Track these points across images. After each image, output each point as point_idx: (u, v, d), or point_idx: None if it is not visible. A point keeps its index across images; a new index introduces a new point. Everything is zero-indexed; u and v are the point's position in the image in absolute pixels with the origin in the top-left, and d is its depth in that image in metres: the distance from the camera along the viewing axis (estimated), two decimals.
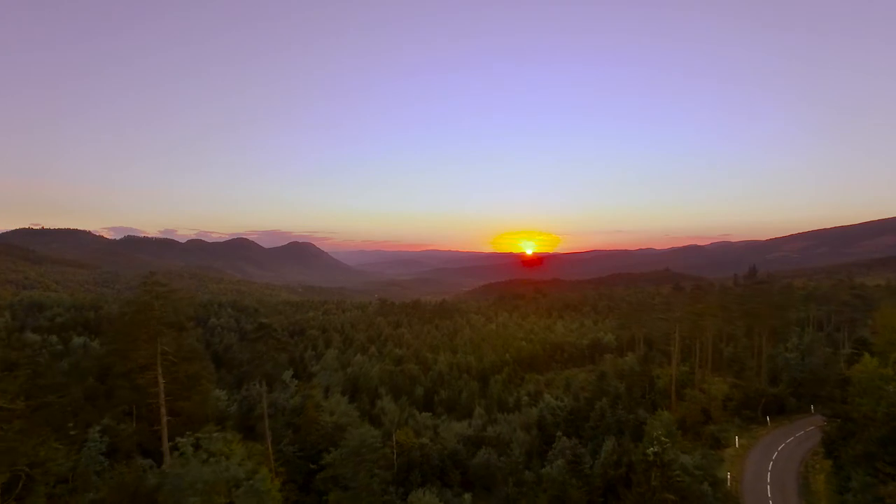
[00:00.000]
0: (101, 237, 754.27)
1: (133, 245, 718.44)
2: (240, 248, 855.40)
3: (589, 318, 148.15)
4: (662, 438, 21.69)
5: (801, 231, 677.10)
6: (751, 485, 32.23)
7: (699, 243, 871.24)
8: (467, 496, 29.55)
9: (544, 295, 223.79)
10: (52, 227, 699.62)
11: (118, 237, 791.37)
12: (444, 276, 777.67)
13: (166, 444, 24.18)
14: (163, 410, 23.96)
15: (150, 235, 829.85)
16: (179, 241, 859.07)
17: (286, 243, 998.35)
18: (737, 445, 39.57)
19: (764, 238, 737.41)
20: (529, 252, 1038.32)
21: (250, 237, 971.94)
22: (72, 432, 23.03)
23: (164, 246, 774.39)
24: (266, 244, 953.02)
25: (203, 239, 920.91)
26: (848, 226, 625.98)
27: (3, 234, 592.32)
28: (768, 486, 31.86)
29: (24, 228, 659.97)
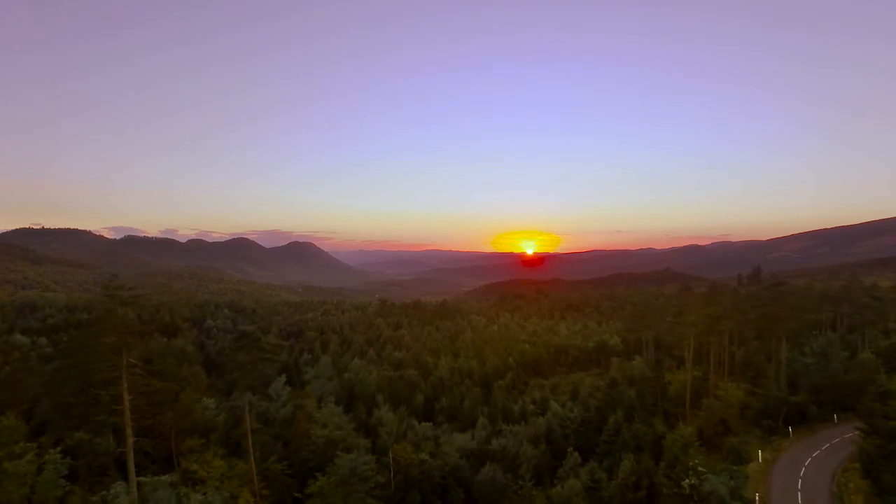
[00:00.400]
0: (102, 237, 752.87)
1: (133, 245, 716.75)
2: (240, 247, 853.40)
3: (592, 320, 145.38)
4: (700, 468, 18.98)
5: (801, 231, 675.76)
6: None
7: (699, 243, 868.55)
8: None
9: (546, 295, 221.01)
10: (52, 227, 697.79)
11: (118, 237, 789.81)
12: (444, 276, 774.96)
13: (132, 471, 21.53)
14: (128, 430, 21.30)
15: (150, 235, 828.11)
16: (180, 240, 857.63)
17: (287, 243, 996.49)
18: (760, 460, 36.76)
19: (764, 238, 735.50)
20: (530, 252, 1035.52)
21: (251, 237, 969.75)
22: (28, 453, 20.37)
23: (164, 246, 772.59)
24: (266, 244, 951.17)
25: (203, 239, 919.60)
26: (848, 226, 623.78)
27: (3, 233, 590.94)
28: None
29: (25, 228, 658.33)
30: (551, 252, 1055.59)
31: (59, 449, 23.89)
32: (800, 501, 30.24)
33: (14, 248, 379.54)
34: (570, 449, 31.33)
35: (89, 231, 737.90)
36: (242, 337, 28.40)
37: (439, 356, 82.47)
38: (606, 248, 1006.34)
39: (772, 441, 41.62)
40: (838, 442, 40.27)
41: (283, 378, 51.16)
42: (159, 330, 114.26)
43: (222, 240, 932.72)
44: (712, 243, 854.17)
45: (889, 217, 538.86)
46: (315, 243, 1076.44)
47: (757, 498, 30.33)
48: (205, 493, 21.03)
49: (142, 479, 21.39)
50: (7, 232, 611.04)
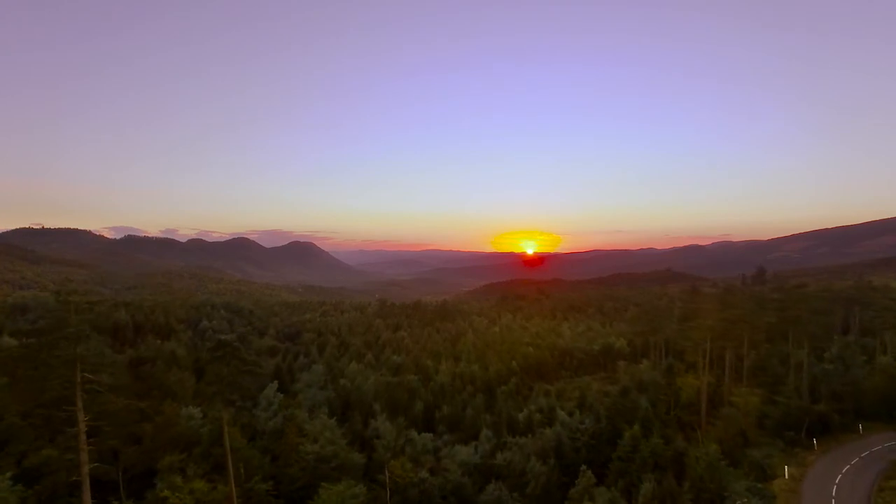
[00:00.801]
0: (102, 237, 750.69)
1: (133, 245, 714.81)
2: (240, 247, 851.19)
3: (595, 321, 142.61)
4: None
5: (802, 231, 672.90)
6: None
7: (700, 243, 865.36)
8: None
9: (547, 296, 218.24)
10: (52, 227, 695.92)
11: (118, 237, 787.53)
12: (444, 276, 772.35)
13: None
14: (83, 457, 18.60)
15: (150, 235, 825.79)
16: (180, 240, 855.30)
17: (287, 243, 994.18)
18: (786, 476, 34.06)
19: (765, 238, 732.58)
20: (530, 252, 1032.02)
21: (251, 237, 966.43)
22: None
23: (164, 246, 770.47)
24: (267, 244, 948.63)
25: (203, 238, 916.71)
26: (849, 226, 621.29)
27: (3, 233, 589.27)
28: None
29: (25, 228, 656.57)
30: (551, 252, 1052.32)
31: (8, 475, 21.25)
32: None
33: (13, 248, 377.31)
34: (583, 467, 28.64)
35: (89, 231, 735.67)
36: (220, 347, 25.72)
37: (440, 360, 79.72)
38: (606, 248, 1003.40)
39: (795, 454, 38.90)
40: (868, 455, 37.60)
41: (275, 385, 48.57)
42: (153, 331, 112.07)
43: (222, 240, 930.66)
44: (713, 243, 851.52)
45: (890, 217, 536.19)
46: (315, 243, 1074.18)
47: None
48: None
49: None
50: (7, 232, 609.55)
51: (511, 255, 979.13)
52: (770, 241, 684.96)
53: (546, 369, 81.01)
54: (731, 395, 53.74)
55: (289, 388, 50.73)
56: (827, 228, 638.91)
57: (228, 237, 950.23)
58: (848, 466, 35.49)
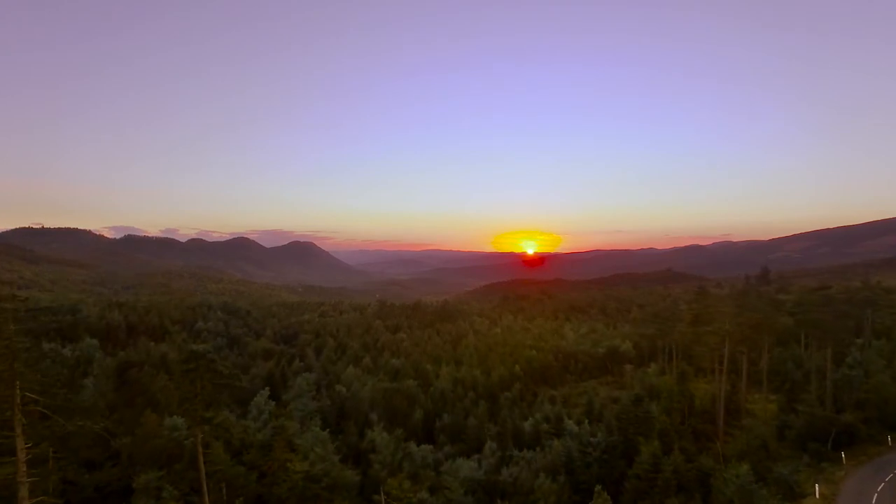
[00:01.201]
0: (102, 237, 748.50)
1: (133, 245, 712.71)
2: (240, 247, 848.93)
3: (599, 322, 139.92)
4: None
5: (802, 231, 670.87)
6: None
7: (700, 243, 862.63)
8: None
9: (549, 296, 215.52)
10: (52, 227, 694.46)
11: (118, 237, 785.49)
12: (445, 276, 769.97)
13: None
14: (23, 491, 15.87)
15: (150, 235, 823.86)
16: (180, 240, 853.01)
17: (287, 243, 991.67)
18: (817, 496, 31.33)
19: (766, 238, 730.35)
20: (530, 252, 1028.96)
21: (251, 237, 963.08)
22: None
23: (164, 245, 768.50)
24: (267, 244, 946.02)
25: (204, 238, 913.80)
26: (850, 226, 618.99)
27: (3, 233, 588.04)
28: None
29: (25, 228, 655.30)
30: (552, 252, 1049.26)
31: None
32: None
33: (13, 247, 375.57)
34: (598, 487, 26.00)
35: (89, 231, 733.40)
36: (192, 359, 23.06)
37: (440, 364, 77.02)
38: (607, 248, 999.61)
39: (823, 469, 36.15)
40: None
41: (266, 392, 45.97)
42: (146, 333, 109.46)
43: (223, 239, 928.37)
44: (713, 243, 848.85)
45: (891, 217, 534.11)
46: (316, 243, 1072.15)
47: None
48: None
49: None
50: (7, 231, 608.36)
51: (511, 255, 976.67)
52: (771, 241, 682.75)
53: (550, 373, 78.36)
54: (746, 402, 51.14)
55: (281, 395, 48.14)
56: (828, 228, 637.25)
57: (228, 237, 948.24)
58: (883, 484, 32.75)
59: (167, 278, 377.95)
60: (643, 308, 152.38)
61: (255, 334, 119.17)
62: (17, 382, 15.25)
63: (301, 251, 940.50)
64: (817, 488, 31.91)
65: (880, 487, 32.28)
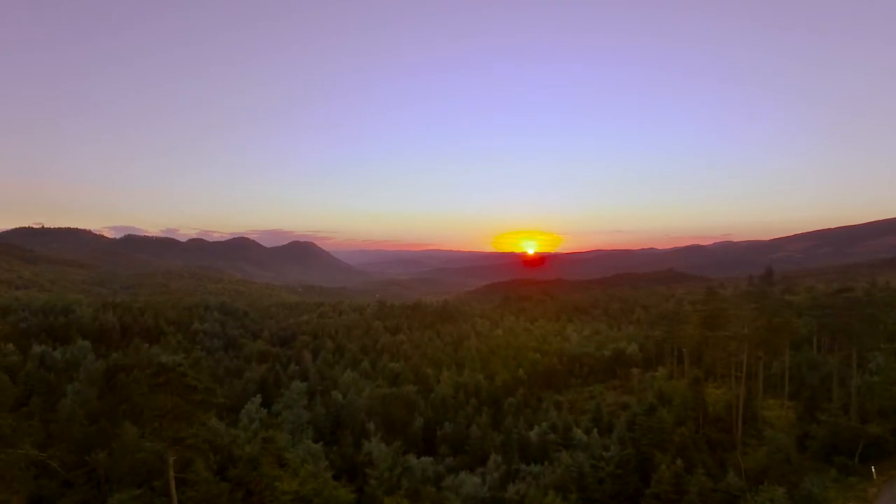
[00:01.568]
0: (102, 236, 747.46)
1: (133, 244, 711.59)
2: (241, 247, 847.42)
3: (602, 323, 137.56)
4: None
5: (803, 231, 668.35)
6: None
7: (701, 243, 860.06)
8: None
9: (551, 297, 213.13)
10: (52, 227, 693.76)
11: (119, 236, 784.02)
12: (445, 276, 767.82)
13: None
14: None
15: (150, 235, 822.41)
16: (180, 240, 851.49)
17: (287, 243, 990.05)
18: None
19: (766, 238, 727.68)
20: (531, 252, 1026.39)
21: (251, 237, 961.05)
22: None
23: (164, 245, 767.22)
24: (267, 244, 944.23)
25: (204, 238, 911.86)
26: (851, 226, 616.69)
27: (3, 233, 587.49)
28: None
29: (25, 228, 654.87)
30: (552, 252, 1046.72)
31: None
32: None
33: (12, 247, 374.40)
34: None
35: (89, 230, 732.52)
36: (160, 372, 20.62)
37: (441, 368, 74.63)
38: (607, 248, 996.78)
39: (851, 485, 33.77)
40: None
41: (258, 399, 43.65)
42: (141, 334, 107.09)
43: (223, 239, 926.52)
44: (714, 243, 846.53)
45: (892, 217, 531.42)
46: (316, 243, 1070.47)
47: None
48: None
49: None
50: (7, 231, 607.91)
51: (512, 254, 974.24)
52: (772, 241, 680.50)
53: (555, 377, 75.92)
54: (762, 409, 48.75)
55: (274, 402, 45.83)
56: (829, 228, 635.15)
57: (229, 237, 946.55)
58: None
59: (167, 278, 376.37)
60: (647, 309, 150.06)
61: (253, 336, 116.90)
62: None
63: (301, 251, 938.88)
64: None
65: None
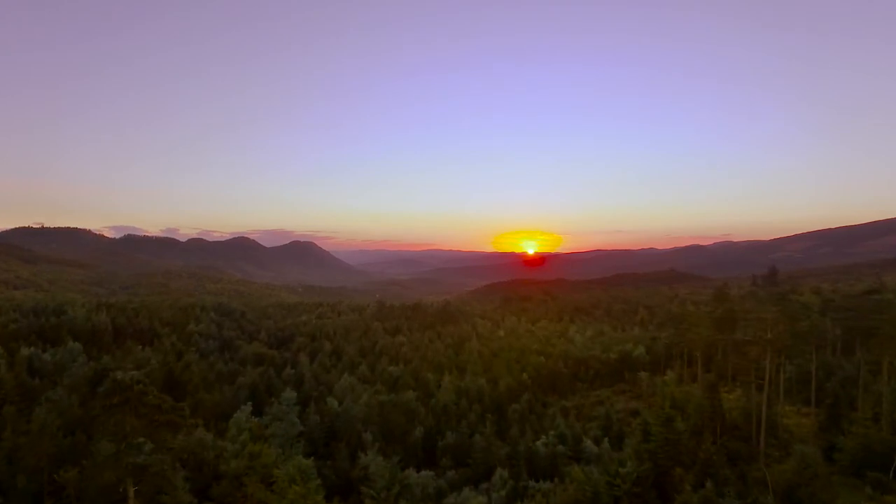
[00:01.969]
0: (102, 236, 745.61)
1: (133, 244, 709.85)
2: (241, 247, 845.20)
3: (606, 324, 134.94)
4: None
5: (804, 231, 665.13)
6: None
7: (701, 243, 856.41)
8: None
9: (553, 297, 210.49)
10: (52, 227, 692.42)
11: (119, 236, 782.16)
12: (445, 276, 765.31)
13: None
14: None
15: (150, 234, 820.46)
16: (180, 240, 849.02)
17: (287, 242, 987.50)
18: None
19: (767, 238, 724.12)
20: (531, 252, 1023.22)
21: (251, 236, 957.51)
22: None
23: (164, 245, 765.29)
24: (267, 243, 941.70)
25: (204, 238, 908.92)
26: (852, 226, 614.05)
27: (3, 233, 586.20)
28: None
29: (24, 227, 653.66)
30: (552, 252, 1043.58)
31: None
32: None
33: (12, 247, 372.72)
34: None
35: (89, 230, 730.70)
36: (115, 390, 17.90)
37: (442, 372, 72.10)
38: (608, 247, 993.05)
39: None
40: None
41: (249, 408, 41.07)
42: (134, 336, 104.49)
43: (223, 239, 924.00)
44: (714, 243, 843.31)
45: (893, 217, 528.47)
46: (316, 243, 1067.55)
47: None
48: None
49: None
50: (7, 231, 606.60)
51: (512, 254, 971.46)
52: (772, 241, 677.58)
53: (560, 381, 73.33)
54: (781, 416, 46.19)
55: (265, 411, 43.36)
56: (829, 228, 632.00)
57: (229, 237, 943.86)
58: None
59: (166, 278, 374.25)
60: (651, 309, 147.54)
61: (249, 337, 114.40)
62: None
63: (301, 251, 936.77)
64: None
65: None
